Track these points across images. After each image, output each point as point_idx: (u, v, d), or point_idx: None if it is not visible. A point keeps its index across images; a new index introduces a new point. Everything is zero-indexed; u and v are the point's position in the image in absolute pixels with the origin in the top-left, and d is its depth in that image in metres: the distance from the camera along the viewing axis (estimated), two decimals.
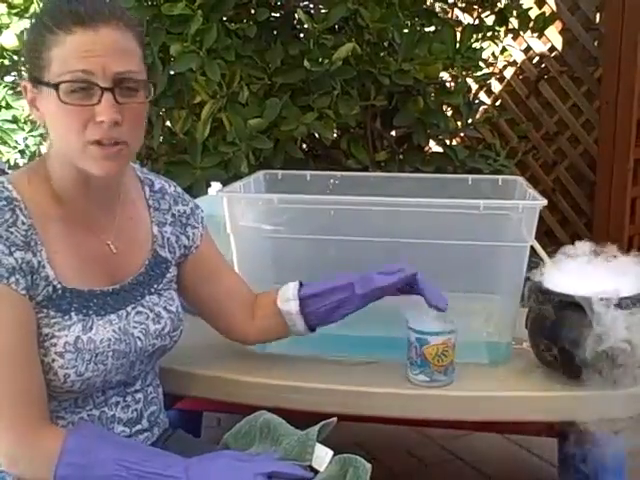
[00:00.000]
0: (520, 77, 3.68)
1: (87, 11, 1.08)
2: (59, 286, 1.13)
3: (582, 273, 1.35)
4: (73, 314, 1.13)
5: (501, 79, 3.70)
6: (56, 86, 1.08)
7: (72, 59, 1.07)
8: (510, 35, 2.80)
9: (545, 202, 1.41)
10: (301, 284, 1.37)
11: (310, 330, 1.38)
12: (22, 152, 2.53)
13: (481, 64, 2.49)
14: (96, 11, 1.09)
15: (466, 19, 2.69)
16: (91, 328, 1.14)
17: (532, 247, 1.43)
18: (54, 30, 1.08)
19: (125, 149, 1.12)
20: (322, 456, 1.10)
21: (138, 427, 1.25)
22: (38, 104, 1.13)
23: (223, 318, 1.40)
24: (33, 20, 1.12)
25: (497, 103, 3.73)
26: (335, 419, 1.15)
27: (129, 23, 1.13)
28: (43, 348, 1.11)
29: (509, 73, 3.68)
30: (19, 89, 2.42)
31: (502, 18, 2.60)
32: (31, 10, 2.39)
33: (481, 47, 2.55)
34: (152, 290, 1.26)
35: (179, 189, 1.36)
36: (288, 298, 1.35)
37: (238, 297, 1.40)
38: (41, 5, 1.02)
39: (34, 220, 1.12)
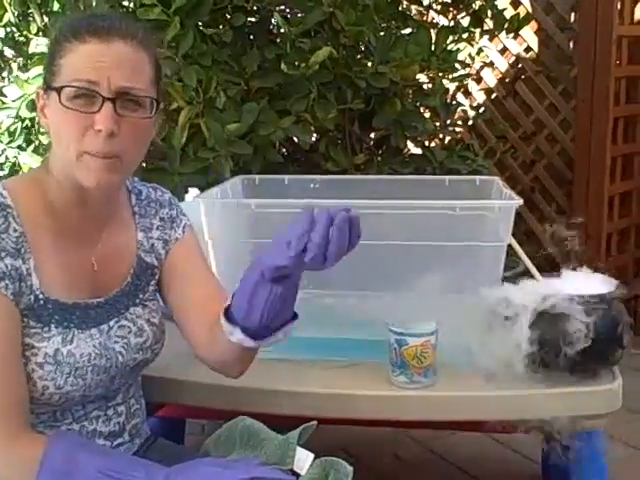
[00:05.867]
0: (497, 77, 3.70)
1: (104, 25, 1.11)
2: (42, 296, 1.12)
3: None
4: (53, 326, 1.13)
5: (478, 80, 3.71)
6: (59, 90, 1.09)
7: (81, 67, 1.10)
8: (486, 36, 2.81)
9: (521, 202, 1.42)
10: (228, 308, 1.16)
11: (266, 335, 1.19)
12: (1, 164, 2.50)
13: (457, 65, 2.50)
14: (113, 26, 1.12)
15: (442, 21, 2.70)
16: (71, 341, 1.14)
17: (510, 246, 1.44)
18: (70, 39, 1.11)
19: (118, 162, 1.12)
20: (303, 459, 1.10)
21: (119, 440, 1.24)
22: (46, 111, 1.15)
23: (187, 330, 1.29)
24: (56, 32, 1.15)
25: (475, 104, 3.74)
26: (315, 422, 1.15)
27: (145, 43, 1.15)
28: (24, 357, 1.11)
29: (486, 74, 3.70)
30: None
31: (477, 19, 2.61)
32: (5, 19, 2.37)
33: (457, 49, 2.56)
34: (137, 301, 1.25)
35: (166, 195, 1.34)
36: (230, 331, 1.16)
37: (209, 311, 1.24)
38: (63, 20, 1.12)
39: (25, 228, 1.12)
